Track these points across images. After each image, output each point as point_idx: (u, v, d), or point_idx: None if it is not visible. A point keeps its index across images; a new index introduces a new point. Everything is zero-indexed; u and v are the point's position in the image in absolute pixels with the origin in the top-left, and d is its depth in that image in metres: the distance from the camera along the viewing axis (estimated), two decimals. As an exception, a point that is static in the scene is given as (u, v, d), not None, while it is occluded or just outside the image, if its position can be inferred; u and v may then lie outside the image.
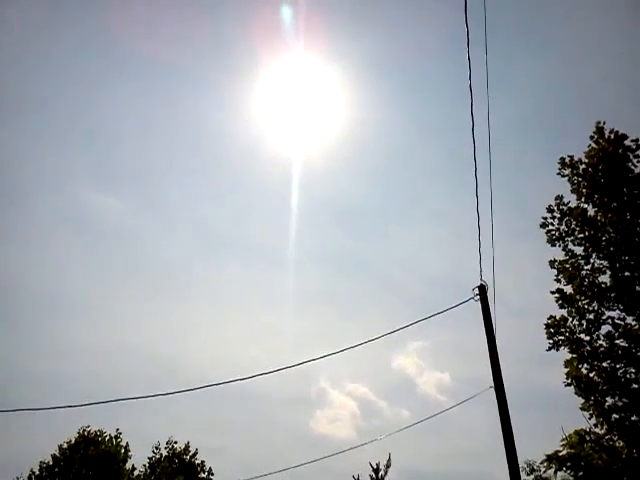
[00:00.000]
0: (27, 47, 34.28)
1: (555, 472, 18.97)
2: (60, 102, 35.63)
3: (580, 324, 17.16)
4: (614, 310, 16.72)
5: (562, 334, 17.18)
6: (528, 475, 25.26)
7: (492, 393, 11.95)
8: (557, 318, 17.31)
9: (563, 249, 17.98)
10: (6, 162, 33.89)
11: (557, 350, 17.23)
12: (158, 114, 36.30)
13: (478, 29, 9.63)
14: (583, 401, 16.87)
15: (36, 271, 32.20)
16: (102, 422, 28.31)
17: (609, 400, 16.53)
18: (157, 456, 32.97)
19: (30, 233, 33.42)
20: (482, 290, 12.92)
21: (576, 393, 16.96)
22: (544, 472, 24.04)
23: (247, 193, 37.12)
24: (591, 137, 17.73)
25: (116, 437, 29.36)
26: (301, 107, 30.41)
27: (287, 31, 28.42)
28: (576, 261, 17.65)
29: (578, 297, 17.30)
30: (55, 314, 31.76)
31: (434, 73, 33.58)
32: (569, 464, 16.79)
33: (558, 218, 18.05)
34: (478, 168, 10.96)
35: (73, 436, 28.90)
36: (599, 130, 17.59)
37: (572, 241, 17.80)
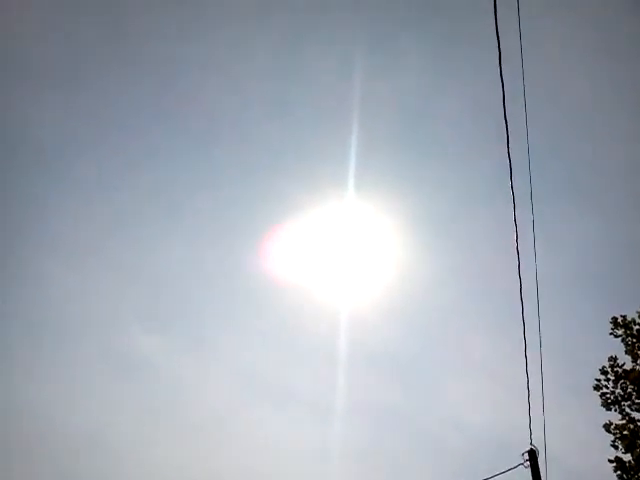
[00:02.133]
0: (89, 197, 36.91)
1: None
2: (112, 244, 37.59)
3: (643, 500, 15.79)
4: (679, 486, 15.41)
5: (622, 511, 15.78)
6: None
7: None
8: (616, 492, 16.02)
9: (620, 412, 17.08)
10: (56, 299, 35.21)
11: (618, 530, 15.74)
12: (207, 256, 37.65)
13: (523, 187, 9.99)
14: None
15: (77, 411, 32.09)
16: None
17: None
18: None
19: (73, 371, 33.81)
20: (532, 455, 12.21)
21: None
22: None
23: (293, 340, 37.11)
24: (643, 297, 17.48)
25: None
26: (350, 258, 31.31)
27: (336, 185, 29.87)
28: (635, 427, 16.65)
29: (639, 467, 16.08)
30: (96, 458, 31.15)
31: (480, 232, 34.26)
32: None
33: (613, 380, 17.36)
34: (527, 327, 10.84)
35: None
36: (651, 291, 17.37)
37: (629, 406, 16.92)
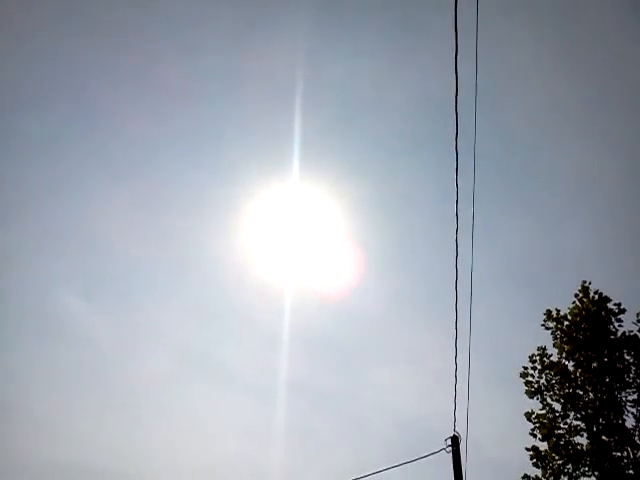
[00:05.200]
0: (33, 156, 35.53)
1: None
2: (55, 211, 36.45)
3: (554, 487, 16.57)
4: (589, 476, 16.22)
5: (535, 497, 16.52)
6: None
7: None
8: (531, 478, 16.73)
9: (541, 402, 17.76)
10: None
11: (530, 516, 16.51)
12: (149, 232, 37.00)
13: (467, 186, 10.04)
14: None
15: (0, 377, 31.24)
16: None
17: None
18: None
19: (3, 333, 32.86)
20: (455, 442, 12.56)
21: None
22: None
23: (233, 319, 37.10)
24: (576, 295, 18.05)
25: None
26: (295, 239, 31.32)
27: (286, 166, 29.60)
28: (554, 416, 17.36)
29: (553, 456, 16.85)
30: (15, 424, 30.48)
31: (423, 225, 34.83)
32: None
33: (539, 370, 17.97)
34: (459, 319, 11.04)
35: None
36: (584, 289, 17.94)
37: (550, 396, 17.61)
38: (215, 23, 32.18)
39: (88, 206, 35.95)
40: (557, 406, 17.44)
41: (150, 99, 34.31)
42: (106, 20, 31.62)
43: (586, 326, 17.51)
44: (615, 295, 17.81)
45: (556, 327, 18.19)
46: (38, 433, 29.77)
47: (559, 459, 16.63)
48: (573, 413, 17.07)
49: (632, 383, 16.79)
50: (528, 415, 17.58)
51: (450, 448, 12.54)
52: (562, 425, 17.09)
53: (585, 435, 16.73)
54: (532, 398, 17.88)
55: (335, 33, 31.81)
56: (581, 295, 17.92)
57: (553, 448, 16.74)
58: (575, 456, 16.48)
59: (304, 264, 31.59)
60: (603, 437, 16.50)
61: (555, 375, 17.65)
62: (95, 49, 32.54)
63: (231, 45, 33.08)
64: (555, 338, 18.17)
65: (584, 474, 16.30)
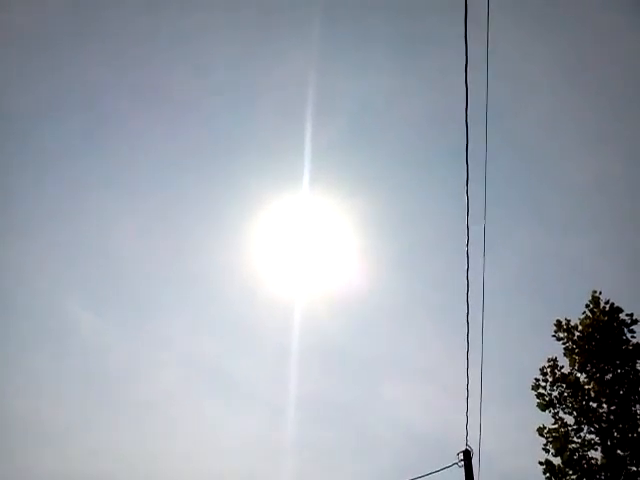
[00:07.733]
0: (47, 172, 35.79)
1: None
2: (67, 223, 36.66)
3: (569, 502, 16.18)
4: (605, 492, 15.83)
5: (548, 514, 16.14)
6: None
7: None
8: (544, 494, 16.36)
9: (553, 416, 17.41)
10: (5, 277, 34.21)
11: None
12: (160, 245, 37.00)
13: (477, 200, 9.86)
14: None
15: (11, 389, 31.09)
16: None
17: None
18: None
19: (12, 346, 32.76)
20: (467, 456, 12.29)
21: None
22: None
23: (243, 331, 36.94)
24: (587, 305, 17.74)
25: None
26: (305, 251, 31.23)
27: (296, 179, 29.54)
28: (566, 431, 16.99)
29: (567, 470, 16.47)
30: (24, 436, 30.28)
31: (434, 238, 34.65)
32: None
33: (550, 382, 17.64)
34: (470, 331, 10.79)
35: None
36: (595, 300, 17.63)
37: (563, 409, 17.26)
38: (226, 37, 32.37)
39: (100, 218, 36.01)
40: (570, 419, 17.11)
41: (162, 113, 34.45)
42: (120, 34, 31.84)
43: (598, 337, 17.19)
44: (626, 305, 17.55)
45: (567, 338, 17.87)
46: (47, 444, 29.54)
47: (573, 474, 16.24)
48: (587, 427, 16.71)
49: (647, 395, 16.45)
50: (540, 430, 17.20)
51: (462, 462, 12.27)
52: (576, 439, 16.73)
53: (599, 449, 16.36)
54: (544, 411, 17.54)
55: (346, 46, 31.87)
56: (592, 305, 17.62)
57: (567, 463, 16.35)
58: (589, 471, 16.09)
59: (315, 277, 31.45)
60: (618, 451, 16.13)
61: (567, 387, 17.31)
62: (109, 62, 32.78)
63: (242, 59, 33.22)
64: (566, 349, 17.84)
65: (600, 489, 15.92)
